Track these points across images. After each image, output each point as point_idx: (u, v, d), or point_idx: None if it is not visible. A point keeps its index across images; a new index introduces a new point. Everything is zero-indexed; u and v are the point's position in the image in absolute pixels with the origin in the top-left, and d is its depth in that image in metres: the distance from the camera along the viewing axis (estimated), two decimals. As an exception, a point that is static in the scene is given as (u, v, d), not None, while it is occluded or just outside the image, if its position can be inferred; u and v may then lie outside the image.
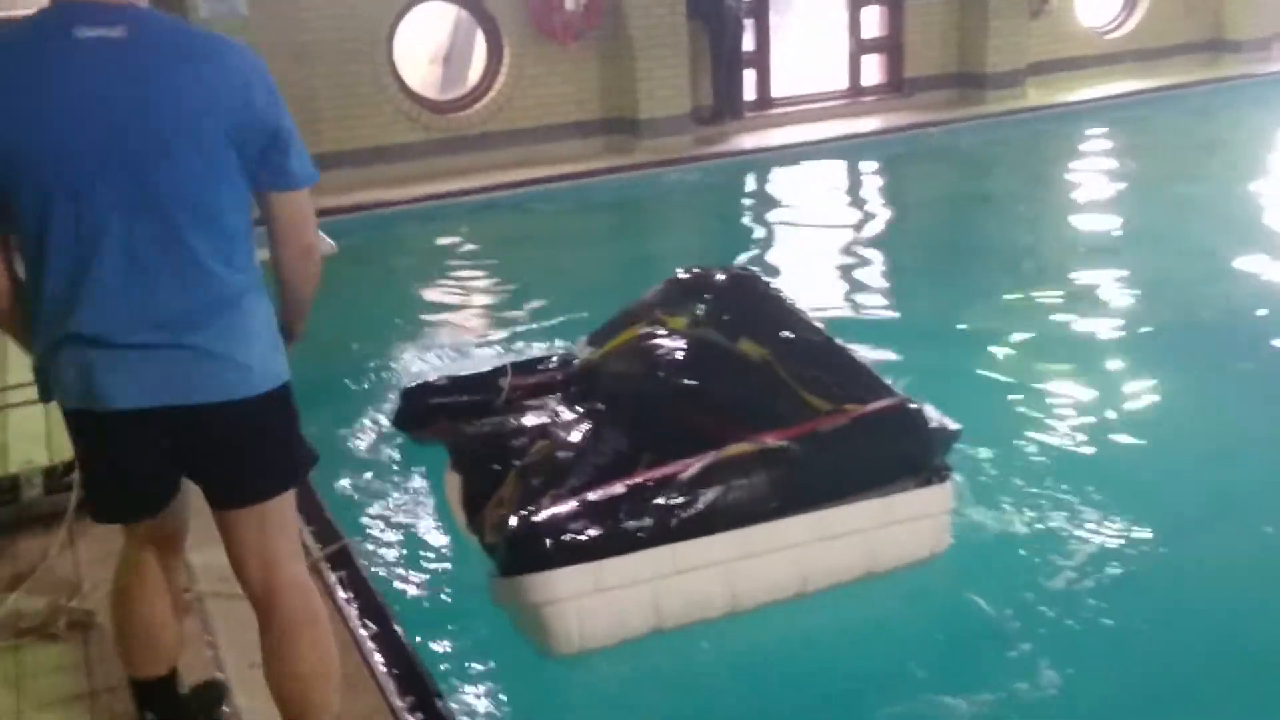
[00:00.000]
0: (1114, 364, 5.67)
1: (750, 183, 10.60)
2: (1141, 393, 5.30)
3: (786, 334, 4.15)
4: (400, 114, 10.34)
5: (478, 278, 8.03)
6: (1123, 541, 3.92)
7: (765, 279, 4.61)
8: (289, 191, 2.34)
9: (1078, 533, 3.97)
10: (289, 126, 2.31)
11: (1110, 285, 6.90)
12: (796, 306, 4.37)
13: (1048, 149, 11.52)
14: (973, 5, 12.53)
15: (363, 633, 3.19)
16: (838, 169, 10.93)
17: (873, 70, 12.80)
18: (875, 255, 8.20)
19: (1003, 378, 5.42)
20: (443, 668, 3.32)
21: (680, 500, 3.38)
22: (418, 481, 4.63)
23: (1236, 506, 4.18)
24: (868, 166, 11.11)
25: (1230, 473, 4.43)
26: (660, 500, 3.38)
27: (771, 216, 9.77)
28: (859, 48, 12.65)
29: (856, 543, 3.53)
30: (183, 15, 9.04)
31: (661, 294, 4.75)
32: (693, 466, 3.47)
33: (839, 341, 4.14)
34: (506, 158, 10.65)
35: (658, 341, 4.43)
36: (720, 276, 4.58)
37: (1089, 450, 4.67)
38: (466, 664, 3.44)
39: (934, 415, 3.76)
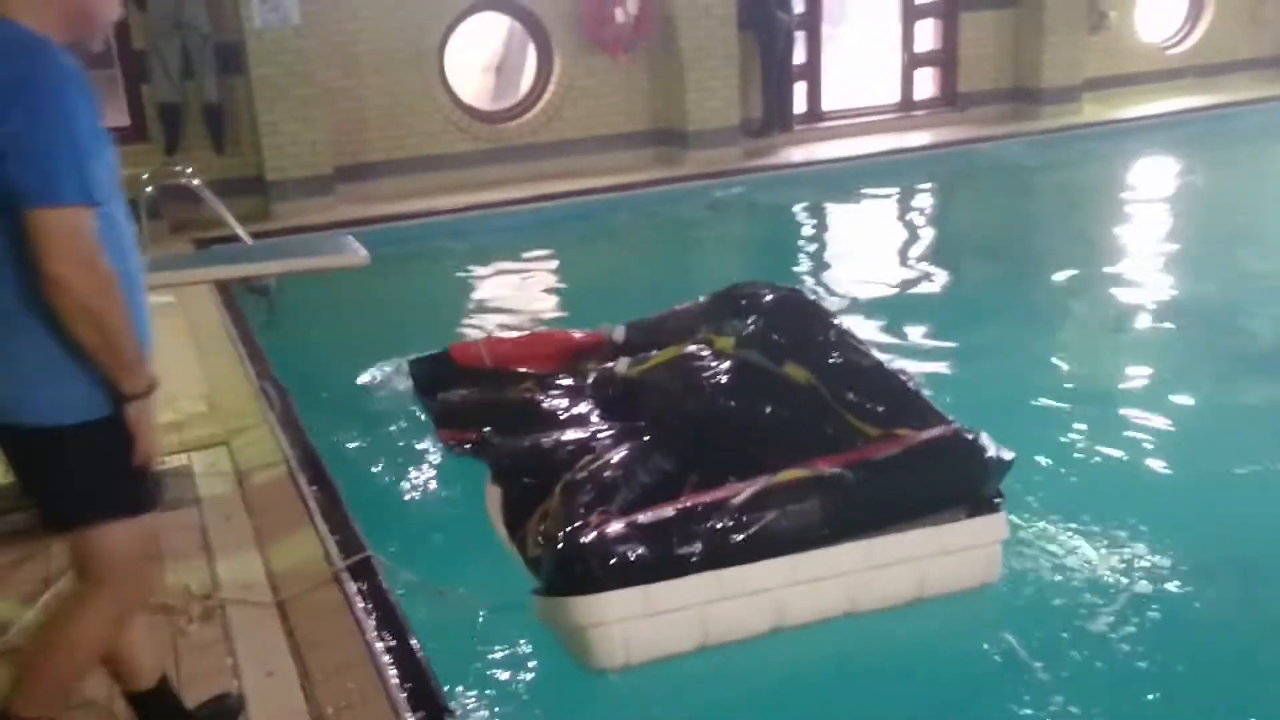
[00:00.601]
0: (1165, 388, 5.53)
1: (799, 196, 10.53)
2: (1194, 419, 5.17)
3: (834, 357, 4.10)
4: (450, 124, 10.41)
5: (521, 287, 8.07)
6: (1165, 579, 3.80)
7: (814, 299, 4.54)
8: (24, 209, 2.14)
9: (1120, 567, 3.86)
10: (17, 131, 2.11)
11: (1164, 307, 6.76)
12: (845, 328, 4.30)
13: (1102, 166, 11.33)
14: (1028, 20, 12.36)
15: (379, 645, 3.19)
16: (888, 183, 10.81)
17: (926, 84, 12.68)
18: (923, 271, 8.10)
19: (1052, 402, 5.31)
20: (459, 687, 3.30)
21: (731, 525, 3.35)
22: (450, 496, 4.64)
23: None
24: (919, 181, 10.99)
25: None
26: (711, 524, 3.34)
27: (819, 230, 9.72)
28: (912, 61, 12.54)
29: (906, 571, 3.50)
30: (237, 24, 9.19)
31: (709, 307, 4.70)
32: (745, 491, 3.43)
33: (889, 365, 4.07)
34: (555, 168, 10.68)
35: (703, 363, 4.39)
36: (769, 295, 4.52)
37: (1137, 479, 4.57)
38: (484, 683, 3.42)
39: (988, 443, 3.69)
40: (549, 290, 7.88)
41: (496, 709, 3.33)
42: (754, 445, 4.01)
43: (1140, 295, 7.09)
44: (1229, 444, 4.88)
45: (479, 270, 8.46)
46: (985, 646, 3.51)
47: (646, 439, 4.17)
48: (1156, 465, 4.73)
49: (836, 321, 4.38)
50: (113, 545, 2.41)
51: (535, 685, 3.44)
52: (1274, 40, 14.15)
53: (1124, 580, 3.78)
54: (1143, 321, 6.54)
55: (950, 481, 3.59)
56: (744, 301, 4.56)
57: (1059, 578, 3.81)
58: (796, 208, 10.33)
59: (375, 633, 3.25)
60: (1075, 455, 4.74)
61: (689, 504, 3.44)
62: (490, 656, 3.56)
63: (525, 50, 11.57)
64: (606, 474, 3.89)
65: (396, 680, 3.02)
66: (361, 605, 3.42)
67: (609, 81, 10.89)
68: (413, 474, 4.82)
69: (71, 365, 2.26)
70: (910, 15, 12.43)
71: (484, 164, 10.54)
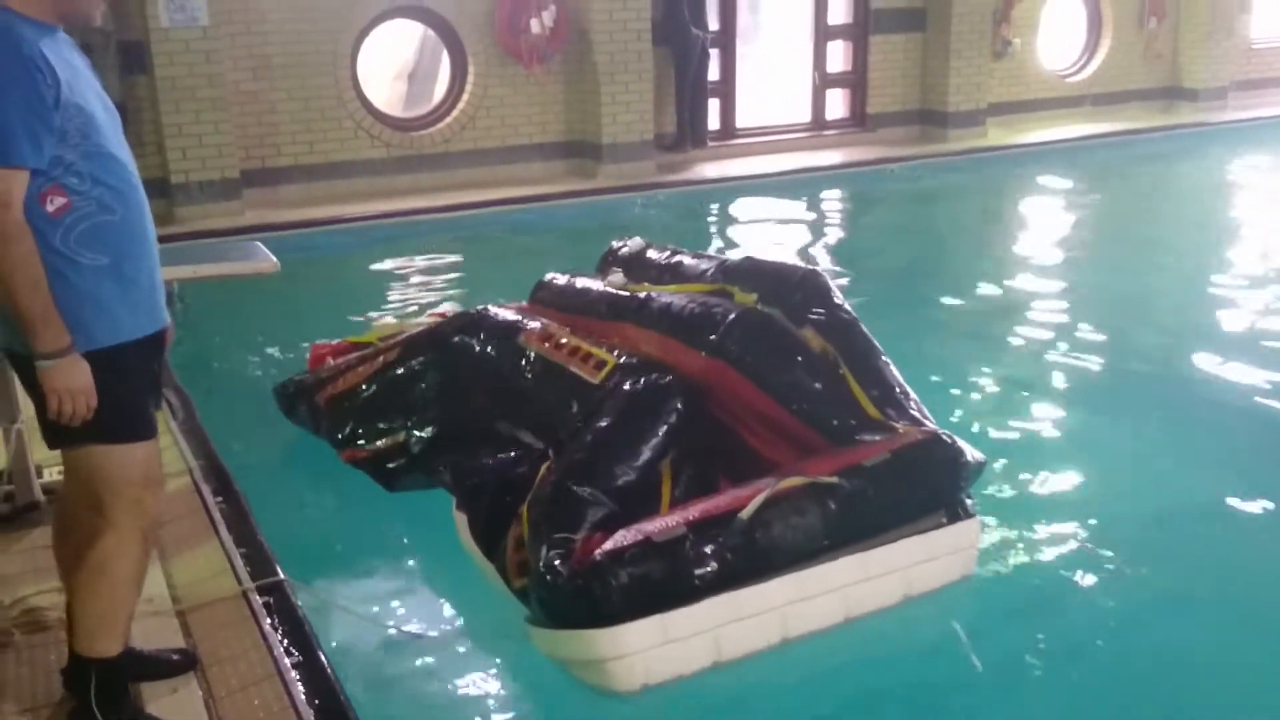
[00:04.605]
0: (1059, 401, 5.72)
1: (711, 211, 10.62)
2: (1085, 426, 5.38)
3: (848, 337, 4.08)
4: (361, 130, 10.29)
5: (433, 298, 7.97)
6: (1105, 561, 4.04)
7: (831, 282, 4.45)
8: None
9: (1069, 553, 4.09)
10: None
11: (1062, 325, 6.93)
12: (856, 316, 4.27)
13: (1006, 189, 11.64)
14: (935, 44, 12.67)
15: (286, 661, 3.12)
16: (799, 201, 10.96)
17: (837, 104, 12.90)
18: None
19: (957, 416, 5.43)
20: (374, 705, 3.24)
21: (741, 542, 3.32)
22: (363, 509, 4.54)
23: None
24: (829, 200, 11.17)
25: (1175, 503, 4.53)
26: (722, 542, 3.31)
27: (730, 246, 9.78)
28: (823, 81, 12.75)
29: (898, 578, 3.61)
30: (142, 23, 8.97)
31: (726, 270, 4.55)
32: (750, 504, 3.39)
33: (890, 362, 4.09)
34: (467, 178, 10.63)
35: (722, 309, 4.21)
36: (791, 269, 4.42)
37: (1036, 483, 4.73)
38: (399, 702, 3.37)
39: (964, 446, 3.77)
40: (457, 301, 7.80)
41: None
42: (758, 404, 3.97)
43: (1039, 309, 7.29)
44: (1134, 438, 5.17)
45: (389, 279, 8.36)
46: (964, 637, 3.71)
47: (609, 433, 3.83)
48: (1077, 460, 4.96)
49: (849, 306, 4.34)
50: (98, 467, 2.64)
51: (463, 711, 3.39)
52: (1166, 72, 14.70)
53: (1073, 565, 4.03)
54: (1042, 334, 6.72)
55: (935, 487, 3.71)
56: (765, 270, 4.46)
57: (1016, 569, 4.08)
58: (709, 223, 10.41)
59: (283, 648, 3.19)
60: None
61: (696, 517, 3.37)
62: (405, 679, 3.51)
63: (439, 58, 11.49)
64: (574, 487, 3.58)
65: (304, 696, 2.96)
66: (269, 621, 3.34)
67: (523, 92, 10.87)
68: (322, 485, 4.73)
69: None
70: (822, 36, 12.64)
71: (395, 172, 10.43)
